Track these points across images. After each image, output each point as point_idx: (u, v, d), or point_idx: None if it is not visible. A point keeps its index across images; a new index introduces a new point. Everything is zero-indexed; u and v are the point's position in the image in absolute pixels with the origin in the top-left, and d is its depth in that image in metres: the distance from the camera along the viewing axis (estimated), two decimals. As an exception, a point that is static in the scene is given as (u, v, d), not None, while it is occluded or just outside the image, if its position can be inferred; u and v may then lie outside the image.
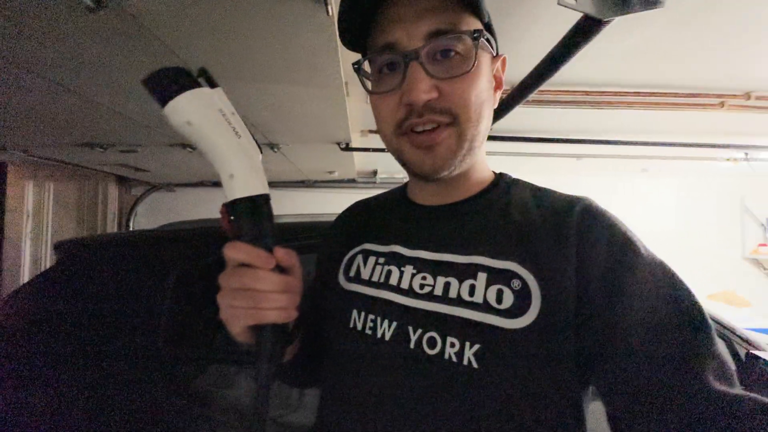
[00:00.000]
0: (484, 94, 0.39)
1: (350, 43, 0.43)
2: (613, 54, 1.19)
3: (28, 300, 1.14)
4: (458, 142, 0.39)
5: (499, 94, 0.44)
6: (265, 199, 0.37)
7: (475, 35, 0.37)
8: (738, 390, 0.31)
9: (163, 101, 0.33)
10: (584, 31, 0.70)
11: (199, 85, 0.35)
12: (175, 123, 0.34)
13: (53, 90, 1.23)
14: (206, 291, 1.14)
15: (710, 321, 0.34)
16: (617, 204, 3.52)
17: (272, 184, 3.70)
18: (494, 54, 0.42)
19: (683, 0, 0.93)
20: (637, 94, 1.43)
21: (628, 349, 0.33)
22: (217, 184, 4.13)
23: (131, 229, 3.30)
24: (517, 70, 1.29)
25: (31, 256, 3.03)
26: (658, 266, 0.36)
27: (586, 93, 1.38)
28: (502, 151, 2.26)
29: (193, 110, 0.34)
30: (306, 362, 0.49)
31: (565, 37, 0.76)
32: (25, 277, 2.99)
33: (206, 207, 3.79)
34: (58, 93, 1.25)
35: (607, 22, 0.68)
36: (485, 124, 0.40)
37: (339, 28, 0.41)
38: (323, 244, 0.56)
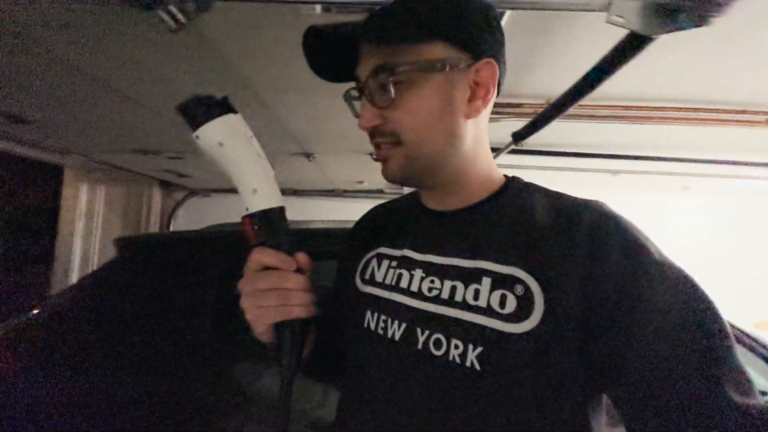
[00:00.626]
0: (431, 116, 0.40)
1: (333, 77, 0.46)
2: (656, 69, 1.18)
3: (89, 289, 1.24)
4: (406, 159, 0.42)
5: (486, 101, 0.43)
6: (283, 209, 0.41)
7: (403, 68, 0.39)
8: (758, 401, 0.31)
9: (198, 124, 0.38)
10: (629, 47, 0.71)
11: (228, 111, 0.39)
12: (207, 143, 0.39)
13: (123, 102, 1.36)
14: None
15: (729, 330, 0.33)
16: (655, 222, 3.38)
17: (303, 193, 3.82)
18: (469, 63, 0.41)
19: (729, 17, 0.92)
20: (680, 109, 1.40)
21: (644, 360, 0.33)
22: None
23: (171, 230, 3.48)
24: (555, 85, 1.31)
25: (81, 253, 3.25)
26: (675, 273, 0.35)
27: (626, 108, 1.36)
28: (534, 165, 2.25)
29: (226, 132, 0.39)
30: (322, 357, 0.52)
31: (609, 53, 0.77)
32: (75, 271, 3.21)
33: (238, 212, 3.93)
34: (127, 105, 1.38)
35: (653, 38, 0.70)
36: (441, 139, 0.41)
37: (315, 69, 0.45)
38: (344, 248, 0.59)
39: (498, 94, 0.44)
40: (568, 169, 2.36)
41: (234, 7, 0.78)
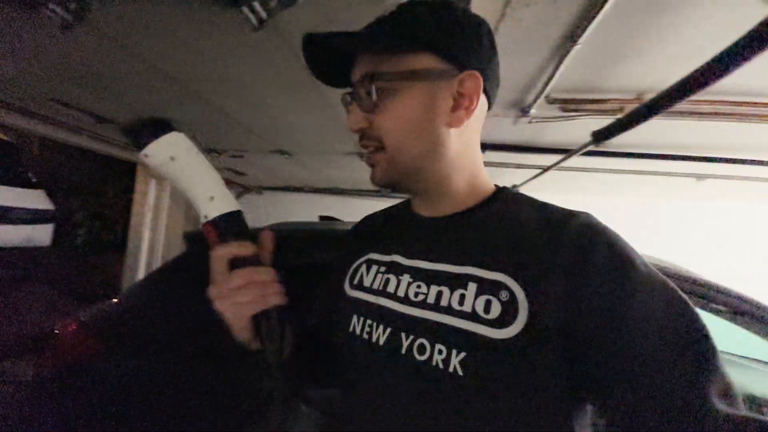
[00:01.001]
0: (412, 123, 0.42)
1: (334, 82, 0.49)
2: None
3: (161, 281, 1.31)
4: (389, 164, 0.44)
5: (469, 111, 0.43)
6: (240, 213, 0.43)
7: (385, 77, 0.41)
8: (743, 411, 0.31)
9: (146, 143, 0.40)
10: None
11: (172, 130, 0.41)
12: (158, 160, 0.40)
13: (194, 100, 1.42)
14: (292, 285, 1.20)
15: (714, 341, 0.34)
16: (743, 235, 2.96)
17: (352, 192, 3.86)
18: (453, 74, 0.43)
19: None
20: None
21: (629, 371, 0.33)
22: (298, 189, 4.44)
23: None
24: (649, 76, 1.16)
25: (149, 242, 3.54)
26: (660, 287, 0.36)
27: (736, 104, 1.18)
28: (604, 167, 2.05)
29: (175, 147, 0.41)
30: (315, 362, 0.53)
31: (746, 36, 0.65)
32: (143, 258, 3.51)
33: (286, 209, 4.09)
34: (197, 103, 1.44)
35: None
36: (422, 146, 0.43)
37: (316, 74, 0.48)
38: (337, 254, 0.59)
39: (489, 107, 0.46)
40: (644, 173, 2.13)
41: (315, 1, 0.76)
